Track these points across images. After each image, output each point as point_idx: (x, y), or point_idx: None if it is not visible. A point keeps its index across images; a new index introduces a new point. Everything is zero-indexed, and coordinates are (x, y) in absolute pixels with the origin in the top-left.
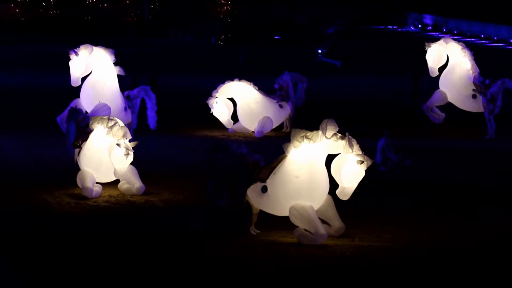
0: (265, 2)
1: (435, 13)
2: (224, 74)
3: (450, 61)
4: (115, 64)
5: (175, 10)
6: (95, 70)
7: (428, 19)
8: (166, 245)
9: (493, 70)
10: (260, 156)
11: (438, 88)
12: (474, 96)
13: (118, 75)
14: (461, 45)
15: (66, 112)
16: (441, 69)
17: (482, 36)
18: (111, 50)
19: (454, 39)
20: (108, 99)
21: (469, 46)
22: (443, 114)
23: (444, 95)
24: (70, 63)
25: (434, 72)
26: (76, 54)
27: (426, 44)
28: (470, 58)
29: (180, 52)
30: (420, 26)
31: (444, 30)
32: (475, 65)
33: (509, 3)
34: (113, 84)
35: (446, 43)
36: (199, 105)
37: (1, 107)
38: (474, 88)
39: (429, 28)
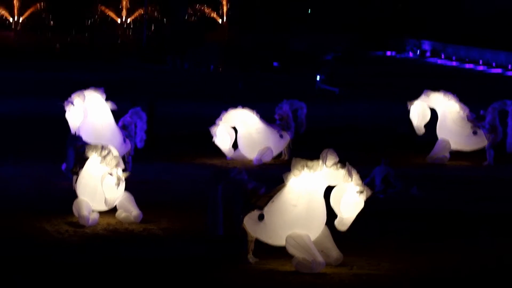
0: (264, 29)
1: (433, 39)
2: (223, 101)
3: (439, 111)
4: (106, 99)
5: (174, 36)
6: (90, 114)
7: (426, 45)
8: (164, 274)
9: (492, 95)
10: (260, 184)
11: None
12: (475, 133)
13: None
14: (441, 92)
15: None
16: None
17: (481, 61)
18: (101, 89)
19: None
20: (108, 139)
21: (467, 71)
22: (447, 156)
23: (447, 144)
24: (67, 115)
25: (420, 130)
26: (73, 104)
27: (409, 102)
28: (455, 100)
29: (179, 79)
30: (418, 52)
31: (443, 56)
32: (463, 104)
33: (507, 29)
34: (110, 122)
35: (427, 96)
36: (198, 132)
37: (1, 135)
38: (472, 125)
39: (428, 54)
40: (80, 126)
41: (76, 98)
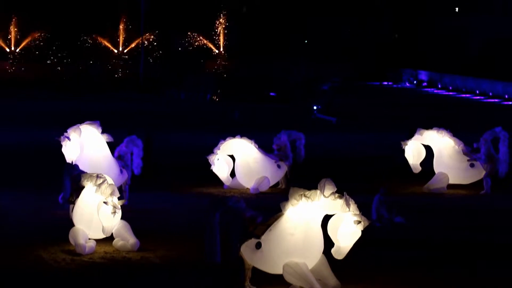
0: (261, 59)
1: (430, 69)
2: (220, 131)
3: (434, 148)
4: (103, 131)
5: (170, 67)
6: (86, 147)
7: (423, 75)
8: None
9: (489, 126)
10: (258, 212)
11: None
12: (472, 165)
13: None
14: (434, 129)
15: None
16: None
17: (477, 91)
18: (96, 122)
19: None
20: (105, 172)
21: (464, 101)
22: (445, 187)
23: (445, 177)
24: (64, 149)
25: (417, 168)
26: (69, 139)
27: (403, 143)
28: (449, 135)
29: (175, 109)
30: (415, 82)
31: (439, 86)
32: (457, 139)
33: (503, 59)
34: (106, 155)
35: (421, 134)
36: (195, 162)
37: None
38: (468, 158)
39: (424, 84)
40: (76, 160)
41: (72, 133)
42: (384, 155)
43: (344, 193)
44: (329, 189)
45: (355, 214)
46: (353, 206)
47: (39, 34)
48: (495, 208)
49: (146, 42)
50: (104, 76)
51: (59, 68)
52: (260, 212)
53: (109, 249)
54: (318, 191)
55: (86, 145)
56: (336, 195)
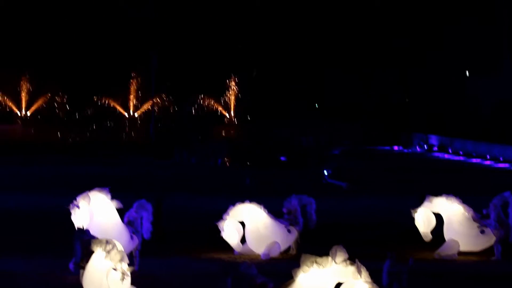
0: (271, 124)
1: (440, 134)
2: (231, 196)
3: (444, 215)
4: (112, 197)
5: (181, 131)
6: (96, 215)
7: (433, 140)
8: None
9: (499, 191)
10: (269, 279)
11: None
12: (482, 232)
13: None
14: (444, 196)
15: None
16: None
17: (488, 156)
18: (106, 189)
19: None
20: (116, 238)
21: (475, 166)
22: (456, 254)
23: (456, 244)
24: (73, 217)
25: (427, 236)
26: (78, 207)
27: (412, 210)
28: (458, 202)
29: (186, 174)
30: (425, 146)
31: (450, 150)
32: (466, 205)
33: None
34: (116, 221)
35: (430, 201)
36: (206, 227)
37: (9, 229)
38: (478, 225)
39: (435, 148)
40: (86, 227)
41: (81, 200)
42: (395, 220)
43: (356, 260)
44: (340, 256)
45: (367, 282)
46: (364, 274)
47: (49, 97)
48: (506, 274)
49: (156, 106)
50: (114, 140)
51: (69, 132)
52: (271, 278)
53: None
54: (330, 258)
55: (95, 213)
56: (348, 262)
